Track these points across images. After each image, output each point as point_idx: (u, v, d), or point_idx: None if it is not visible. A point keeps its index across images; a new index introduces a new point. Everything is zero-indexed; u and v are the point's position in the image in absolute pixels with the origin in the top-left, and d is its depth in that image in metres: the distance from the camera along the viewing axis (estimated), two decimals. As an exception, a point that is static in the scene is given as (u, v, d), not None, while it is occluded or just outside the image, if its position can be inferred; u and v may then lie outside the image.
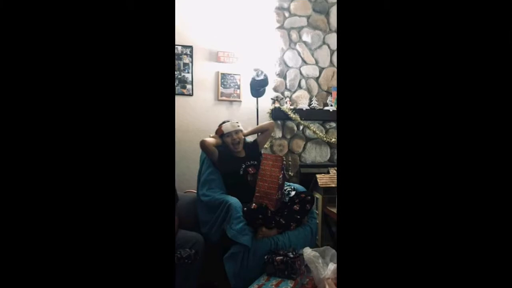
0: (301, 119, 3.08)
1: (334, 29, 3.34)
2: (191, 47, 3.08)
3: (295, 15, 3.23)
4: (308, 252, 1.81)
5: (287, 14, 3.23)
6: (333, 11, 3.33)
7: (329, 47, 3.35)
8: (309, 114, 3.16)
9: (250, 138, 2.62)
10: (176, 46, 3.01)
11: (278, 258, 1.82)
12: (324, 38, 3.32)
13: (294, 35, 3.24)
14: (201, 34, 3.09)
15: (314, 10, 3.28)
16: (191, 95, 3.10)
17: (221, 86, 3.16)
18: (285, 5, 3.21)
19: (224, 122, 2.41)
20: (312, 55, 3.31)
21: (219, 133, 2.37)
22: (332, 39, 3.34)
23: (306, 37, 3.26)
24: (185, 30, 3.04)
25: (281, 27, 3.21)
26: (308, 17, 3.27)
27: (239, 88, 3.20)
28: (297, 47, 3.26)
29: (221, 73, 3.16)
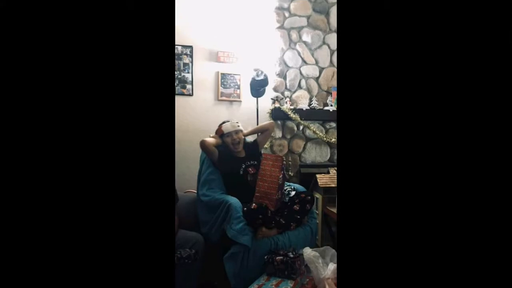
0: (301, 119, 3.08)
1: (334, 29, 3.34)
2: (191, 47, 3.08)
3: (295, 15, 3.23)
4: (308, 252, 1.81)
5: (287, 14, 3.22)
6: (333, 11, 3.33)
7: (329, 47, 3.35)
8: (309, 114, 3.16)
9: (250, 138, 2.62)
10: (176, 46, 3.01)
11: (278, 258, 1.82)
12: (324, 38, 3.32)
13: (294, 35, 3.24)
14: (201, 34, 3.09)
15: (314, 10, 3.28)
16: (191, 95, 3.10)
17: (221, 86, 3.16)
18: (285, 5, 3.21)
19: (224, 122, 2.41)
20: (312, 55, 3.31)
21: (219, 133, 2.37)
22: (332, 39, 3.34)
23: (306, 37, 3.26)
24: (185, 30, 3.04)
25: (281, 27, 3.21)
26: (308, 17, 3.27)
27: (239, 88, 3.20)
28: (297, 47, 3.26)
29: (221, 73, 3.16)
